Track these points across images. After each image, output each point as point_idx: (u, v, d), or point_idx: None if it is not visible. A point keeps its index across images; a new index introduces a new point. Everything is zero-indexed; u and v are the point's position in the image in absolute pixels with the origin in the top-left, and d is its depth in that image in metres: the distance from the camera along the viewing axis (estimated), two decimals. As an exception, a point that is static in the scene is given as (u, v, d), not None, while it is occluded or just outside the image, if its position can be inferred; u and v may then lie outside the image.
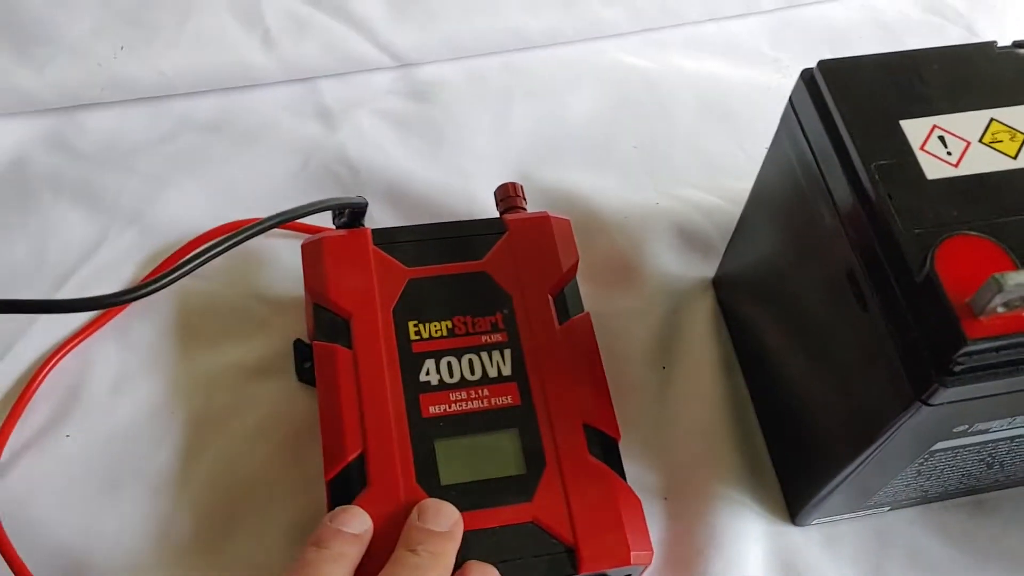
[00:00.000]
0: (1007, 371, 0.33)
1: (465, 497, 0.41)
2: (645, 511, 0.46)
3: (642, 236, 0.55)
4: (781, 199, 0.45)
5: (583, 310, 0.47)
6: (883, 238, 0.36)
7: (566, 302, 0.47)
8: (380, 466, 0.41)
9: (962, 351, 0.32)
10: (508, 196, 0.51)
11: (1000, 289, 0.31)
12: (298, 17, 0.59)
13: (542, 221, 0.49)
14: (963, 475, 0.44)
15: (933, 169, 0.37)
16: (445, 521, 0.39)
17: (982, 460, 0.43)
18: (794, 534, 0.47)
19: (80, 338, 0.50)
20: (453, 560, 0.38)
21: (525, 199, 0.51)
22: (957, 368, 0.33)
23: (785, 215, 0.45)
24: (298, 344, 0.51)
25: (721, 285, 0.54)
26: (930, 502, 0.48)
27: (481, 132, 0.59)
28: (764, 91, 0.63)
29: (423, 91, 0.60)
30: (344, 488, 0.41)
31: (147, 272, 0.53)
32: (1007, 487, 0.48)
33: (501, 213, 0.51)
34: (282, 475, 0.47)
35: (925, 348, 0.34)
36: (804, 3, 0.67)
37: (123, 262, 0.53)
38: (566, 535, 0.40)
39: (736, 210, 0.50)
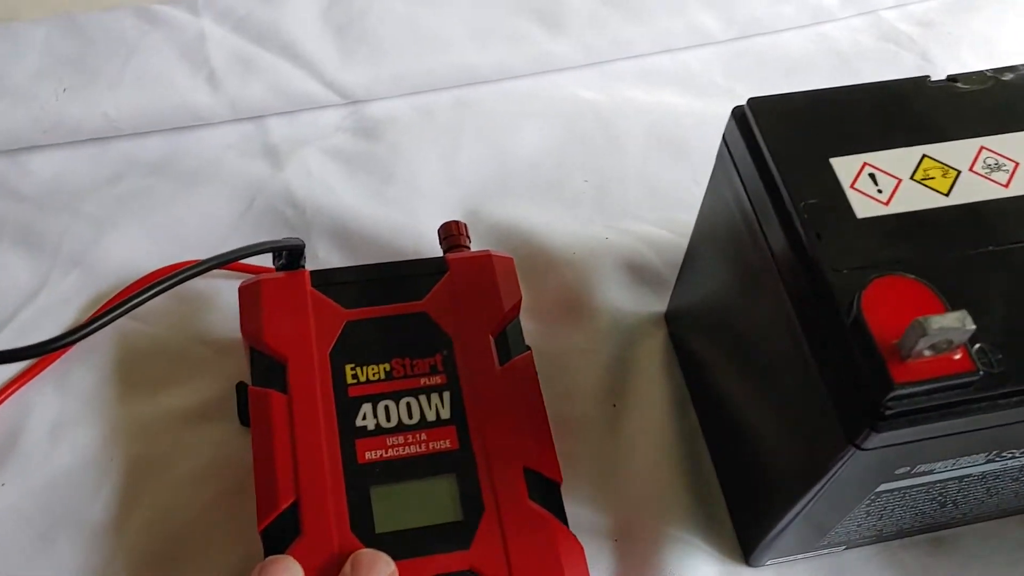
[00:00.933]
0: (939, 415, 0.32)
1: (400, 545, 0.40)
2: (594, 553, 0.46)
3: (591, 272, 0.54)
4: (721, 236, 0.44)
5: (526, 349, 0.46)
6: (812, 280, 0.35)
7: (508, 342, 0.46)
8: (313, 514, 0.40)
9: (890, 395, 0.32)
10: (451, 235, 0.50)
11: (924, 333, 0.30)
12: (243, 57, 0.59)
13: (483, 260, 0.48)
14: (916, 514, 0.44)
15: (864, 208, 0.37)
16: (379, 573, 0.38)
17: (933, 499, 0.42)
18: (748, 574, 0.46)
19: (18, 384, 0.50)
20: None
21: (469, 237, 0.51)
22: (888, 412, 0.32)
23: (725, 252, 0.44)
24: (240, 387, 0.50)
25: (672, 320, 0.53)
26: (887, 540, 0.47)
27: (430, 169, 0.58)
28: (718, 122, 0.61)
29: (372, 128, 0.60)
30: (278, 537, 0.40)
31: (89, 316, 0.52)
32: (966, 523, 0.47)
33: (444, 252, 0.50)
34: (222, 523, 0.46)
35: (855, 392, 0.33)
36: (758, 33, 0.67)
37: (64, 305, 0.53)
38: (504, 583, 0.39)
39: (685, 243, 0.50)
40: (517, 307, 0.47)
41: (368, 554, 0.39)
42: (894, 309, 0.33)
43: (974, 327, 0.31)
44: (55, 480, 0.47)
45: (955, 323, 0.30)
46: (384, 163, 0.58)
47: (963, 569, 0.47)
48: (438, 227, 0.51)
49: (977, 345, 0.33)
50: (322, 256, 0.54)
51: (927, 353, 0.32)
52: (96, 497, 0.47)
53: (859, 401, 0.33)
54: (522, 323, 0.48)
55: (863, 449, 0.33)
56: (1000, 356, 0.33)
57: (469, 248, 0.50)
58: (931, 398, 0.32)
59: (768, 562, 0.47)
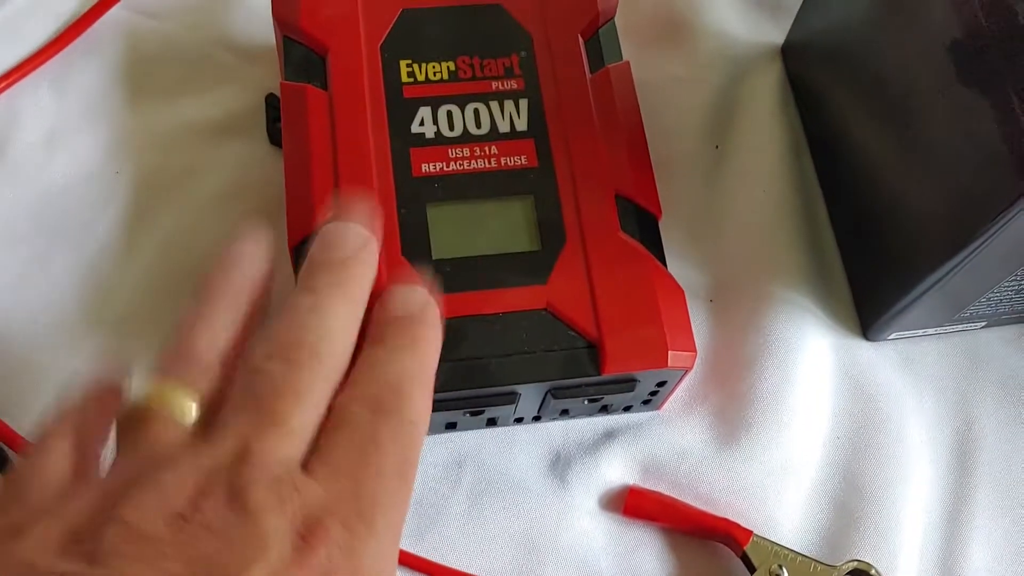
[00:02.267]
0: None
1: (461, 275, 0.33)
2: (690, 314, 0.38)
3: (698, -14, 0.44)
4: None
5: (622, 59, 0.37)
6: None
7: (600, 47, 0.37)
8: (357, 233, 0.33)
9: None
10: (534, -81, 0.40)
11: None
12: None
13: (576, -55, 0.39)
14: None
15: None
16: (414, 303, 0.29)
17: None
18: (865, 349, 0.39)
19: (8, 81, 0.41)
20: (433, 351, 0.29)
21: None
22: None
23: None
24: (270, 99, 0.41)
25: (792, 53, 0.44)
26: (1034, 319, 0.39)
27: None
28: None
29: None
30: (311, 259, 0.33)
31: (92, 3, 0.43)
32: None
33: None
34: (246, 249, 0.39)
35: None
36: None
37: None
38: (587, 327, 0.32)
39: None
40: (613, 8, 0.38)
41: (401, 287, 0.30)
42: None
43: None
44: (51, 194, 0.40)
45: None
46: None
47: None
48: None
49: None
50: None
51: None
52: (99, 215, 0.40)
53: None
54: (616, 44, 0.38)
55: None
56: None
57: (556, -63, 0.40)
58: None
59: (891, 336, 0.39)
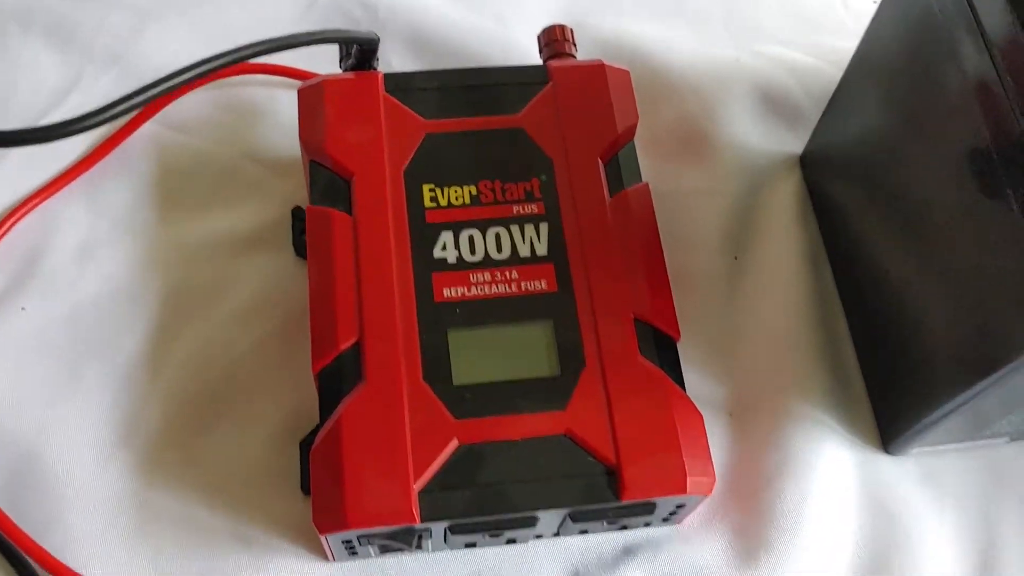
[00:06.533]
0: None
1: (482, 400, 0.33)
2: (708, 428, 0.38)
3: (717, 100, 0.45)
4: (895, 59, 0.35)
5: (641, 180, 0.38)
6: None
7: (620, 169, 0.38)
8: (379, 358, 0.33)
9: None
10: (555, 40, 0.41)
11: None
12: None
13: (595, 71, 0.40)
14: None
15: None
16: None
17: None
18: (886, 464, 0.39)
19: (43, 196, 0.43)
20: None
21: (576, 45, 0.42)
22: None
23: (899, 79, 0.35)
24: (297, 212, 0.42)
25: (811, 163, 0.44)
26: (1060, 434, 0.39)
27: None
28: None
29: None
30: (335, 383, 0.34)
31: (125, 120, 0.45)
32: None
33: (545, 61, 0.41)
34: (272, 365, 0.39)
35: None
36: None
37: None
38: (607, 453, 0.32)
39: (834, 72, 0.41)
40: (632, 129, 0.39)
41: None
42: None
43: None
44: (82, 308, 0.41)
45: None
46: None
47: None
48: (538, 33, 0.42)
49: None
50: (395, 65, 0.46)
51: None
52: (129, 330, 0.40)
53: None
54: (637, 158, 0.39)
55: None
56: None
57: (575, 57, 0.41)
58: None
59: (913, 451, 0.39)
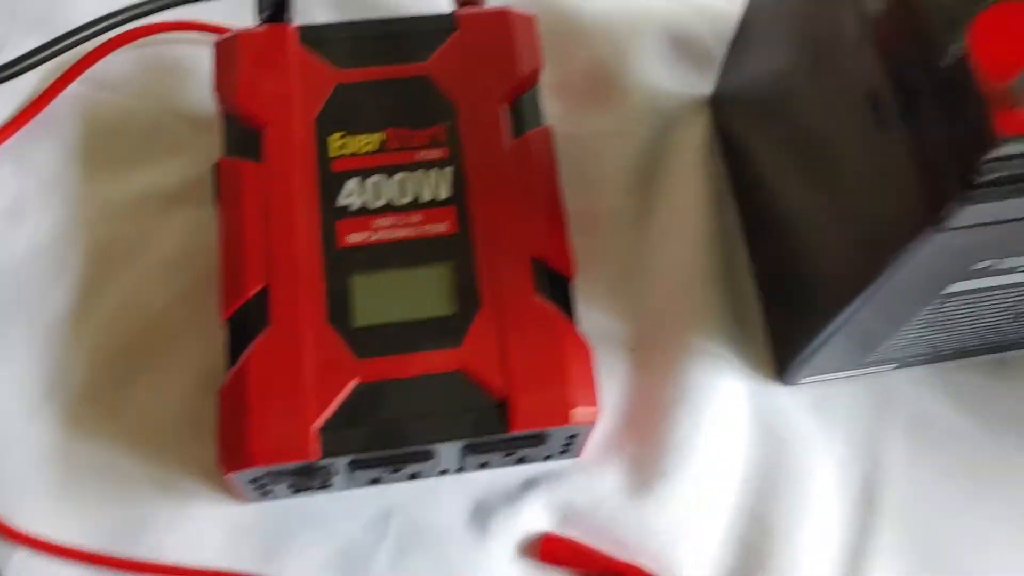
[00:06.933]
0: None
1: (382, 341, 0.35)
2: (608, 362, 0.40)
3: (628, 43, 0.46)
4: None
5: (543, 123, 0.40)
6: (911, 24, 0.27)
7: (522, 113, 0.39)
8: (284, 302, 0.35)
9: (990, 154, 0.25)
10: (465, -11, 0.42)
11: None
12: None
13: (499, 17, 0.41)
14: (983, 328, 0.37)
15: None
16: None
17: (1007, 310, 0.35)
18: (779, 394, 0.41)
19: (-30, 158, 0.44)
20: None
21: (485, -7, 0.43)
22: (982, 178, 0.25)
23: (796, 19, 0.36)
24: (216, 168, 0.44)
25: (719, 104, 0.46)
26: (944, 360, 0.41)
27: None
28: None
29: None
30: (243, 328, 0.35)
31: (51, 81, 0.46)
32: (1039, 344, 0.41)
33: (457, 8, 0.42)
34: (192, 317, 0.41)
35: (946, 157, 0.26)
36: None
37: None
38: (497, 387, 0.34)
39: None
40: (535, 74, 0.40)
41: None
42: (1012, 43, 0.25)
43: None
44: (9, 268, 0.42)
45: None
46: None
47: (1026, 395, 0.40)
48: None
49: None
50: (318, 16, 0.47)
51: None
52: (56, 287, 0.42)
53: (949, 164, 0.26)
54: (545, 102, 0.41)
55: (945, 227, 0.27)
56: None
57: (484, 4, 0.42)
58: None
59: (804, 380, 0.41)
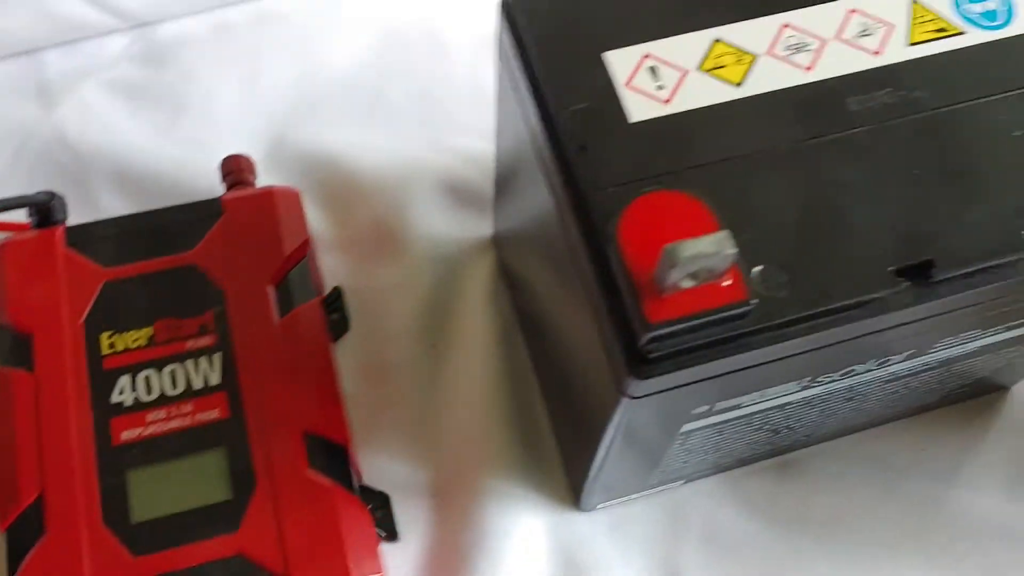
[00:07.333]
0: (710, 353, 0.28)
1: (160, 535, 0.35)
2: (410, 514, 0.41)
3: (407, 196, 0.48)
4: (510, 150, 0.39)
5: (313, 296, 0.41)
6: (576, 202, 0.30)
7: (290, 291, 0.41)
8: (59, 509, 0.36)
9: (648, 337, 0.27)
10: (232, 171, 0.44)
11: (674, 262, 0.25)
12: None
13: (263, 198, 0.43)
14: (748, 444, 0.39)
15: (639, 109, 0.31)
16: None
17: (759, 429, 0.38)
18: (579, 521, 0.42)
19: None
20: None
21: (254, 173, 0.45)
22: (652, 355, 0.27)
23: (517, 170, 0.38)
24: None
25: (499, 243, 0.48)
26: (728, 470, 0.43)
27: (228, 96, 0.51)
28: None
29: (160, 54, 0.53)
30: (21, 539, 0.36)
31: None
32: (812, 444, 0.43)
33: (227, 190, 0.44)
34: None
35: (619, 335, 0.28)
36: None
37: None
38: (278, 567, 0.35)
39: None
40: (303, 249, 0.42)
41: None
42: (654, 233, 0.28)
43: (734, 251, 0.26)
44: None
45: (710, 248, 0.25)
46: (175, 93, 0.51)
47: (813, 492, 0.43)
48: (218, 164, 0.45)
49: (759, 267, 0.28)
50: (105, 204, 0.48)
51: (687, 284, 0.27)
52: None
53: (621, 345, 0.28)
54: (335, 260, 0.42)
55: (634, 397, 0.29)
56: (786, 278, 0.28)
57: (254, 185, 0.44)
58: (697, 335, 0.27)
59: (600, 505, 0.43)
